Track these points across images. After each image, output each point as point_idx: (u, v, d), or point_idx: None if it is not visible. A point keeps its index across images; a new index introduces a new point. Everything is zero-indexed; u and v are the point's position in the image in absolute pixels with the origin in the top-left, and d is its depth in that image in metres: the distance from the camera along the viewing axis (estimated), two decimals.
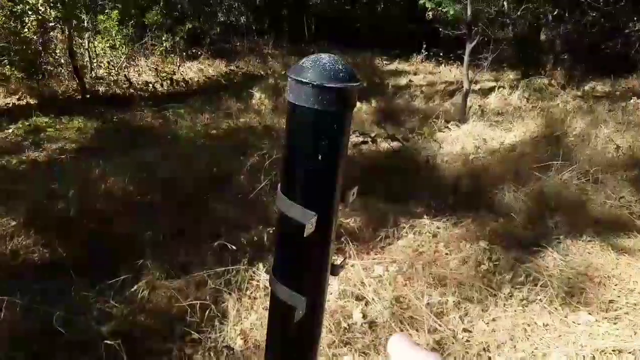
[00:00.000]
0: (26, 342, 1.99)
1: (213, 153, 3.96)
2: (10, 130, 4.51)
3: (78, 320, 2.08)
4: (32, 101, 5.44)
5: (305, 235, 0.89)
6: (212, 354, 2.00)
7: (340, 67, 0.79)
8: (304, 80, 0.78)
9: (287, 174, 0.88)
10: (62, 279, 2.42)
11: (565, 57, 9.06)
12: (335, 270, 1.06)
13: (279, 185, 0.89)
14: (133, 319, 2.13)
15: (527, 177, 3.68)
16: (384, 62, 10.11)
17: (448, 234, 2.95)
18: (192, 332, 2.08)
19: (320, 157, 0.83)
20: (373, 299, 2.39)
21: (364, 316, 2.30)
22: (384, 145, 4.39)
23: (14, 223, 2.82)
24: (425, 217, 3.11)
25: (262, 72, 7.88)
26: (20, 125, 4.59)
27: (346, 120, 0.85)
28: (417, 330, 2.22)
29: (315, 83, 0.78)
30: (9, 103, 5.42)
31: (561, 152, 3.90)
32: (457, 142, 4.84)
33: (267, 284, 2.35)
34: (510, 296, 2.38)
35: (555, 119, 5.41)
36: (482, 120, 5.54)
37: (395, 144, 4.19)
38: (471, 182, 3.73)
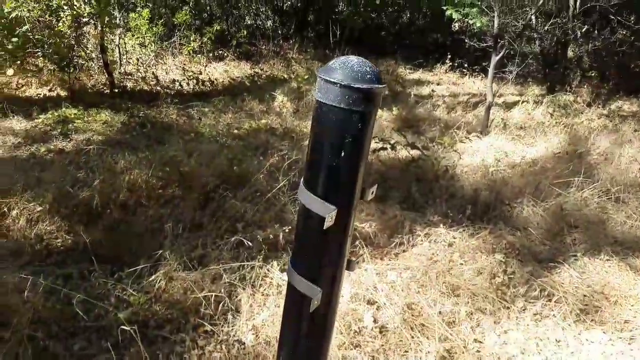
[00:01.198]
0: (46, 323, 2.06)
1: (234, 152, 4.02)
2: (40, 120, 4.65)
3: (97, 305, 2.14)
4: (62, 93, 5.61)
5: (324, 228, 0.92)
6: (223, 346, 2.03)
7: (367, 69, 0.83)
8: (333, 80, 0.82)
9: (310, 169, 0.91)
10: (84, 264, 2.50)
11: (593, 74, 8.91)
12: (351, 265, 1.09)
13: (302, 178, 0.92)
14: (149, 307, 2.18)
15: (547, 192, 3.64)
16: (408, 70, 10.08)
17: (464, 244, 2.93)
18: (206, 323, 2.12)
19: (343, 154, 0.85)
20: (385, 304, 2.40)
21: (375, 320, 2.30)
22: (403, 152, 4.38)
23: (39, 208, 2.91)
24: (441, 226, 3.11)
25: (286, 76, 7.96)
26: (50, 116, 4.73)
27: (370, 120, 0.87)
28: (427, 337, 2.22)
29: (343, 83, 0.82)
30: (40, 94, 5.59)
31: (583, 169, 3.85)
32: (477, 154, 4.81)
33: (280, 282, 2.38)
34: (524, 310, 2.36)
35: (579, 136, 5.33)
36: (504, 134, 5.49)
37: (414, 152, 4.18)
38: (490, 194, 3.70)
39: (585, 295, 2.45)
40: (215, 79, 7.15)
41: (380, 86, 0.83)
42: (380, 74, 0.84)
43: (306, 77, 7.39)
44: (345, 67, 0.83)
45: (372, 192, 0.97)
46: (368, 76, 0.84)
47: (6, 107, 4.68)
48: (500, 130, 5.61)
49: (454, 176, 4.14)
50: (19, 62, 5.36)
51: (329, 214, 0.86)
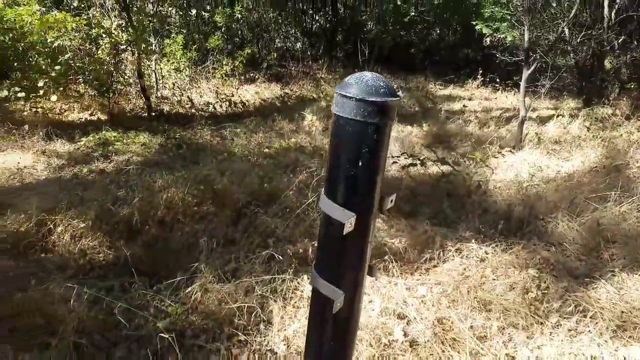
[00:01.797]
0: (90, 332, 2.21)
1: (265, 170, 4.17)
2: (82, 142, 4.96)
3: (137, 315, 2.28)
4: (102, 117, 5.96)
5: (344, 234, 0.99)
6: (256, 356, 2.11)
7: (381, 83, 0.91)
8: (348, 94, 0.90)
9: (330, 178, 0.99)
10: (124, 278, 2.66)
11: (632, 86, 8.68)
12: (373, 271, 1.16)
13: (323, 188, 0.99)
14: (186, 317, 2.30)
15: (582, 206, 3.59)
16: (438, 87, 10.12)
17: (496, 260, 2.93)
18: (239, 333, 2.22)
19: (360, 164, 0.92)
20: (415, 318, 2.43)
21: (405, 334, 2.34)
22: (434, 168, 4.42)
23: (82, 225, 3.11)
24: (473, 241, 3.11)
25: (315, 96, 8.16)
26: (92, 138, 5.04)
27: (386, 131, 0.93)
28: (458, 352, 2.23)
29: (358, 97, 0.89)
30: (82, 118, 5.96)
31: (621, 183, 3.77)
32: (511, 169, 4.79)
33: (309, 295, 2.45)
34: (558, 325, 2.34)
35: (617, 149, 5.21)
36: (538, 148, 5.44)
37: (445, 167, 4.21)
38: (524, 209, 3.67)
39: (623, 312, 2.40)
40: (247, 101, 7.42)
41: (394, 99, 0.90)
42: (394, 88, 0.91)
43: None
44: (360, 82, 0.90)
45: (391, 200, 1.02)
46: (382, 90, 0.90)
47: (50, 131, 5.02)
48: (535, 145, 5.55)
49: (487, 191, 4.13)
50: (61, 88, 5.76)
51: (348, 220, 0.92)
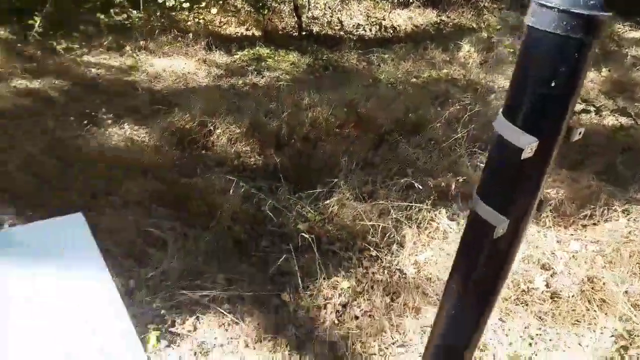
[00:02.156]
0: (242, 222, 2.57)
1: (412, 99, 4.14)
2: (237, 56, 5.41)
3: (282, 213, 2.57)
4: (256, 33, 6.37)
5: (521, 159, 0.94)
6: (386, 272, 2.27)
7: None
8: (549, 4, 0.82)
9: (513, 97, 0.94)
10: (272, 182, 2.98)
11: None
12: (541, 207, 1.07)
13: (502, 108, 0.95)
14: (323, 225, 2.53)
15: None
16: (628, 27, 8.68)
17: None
18: (371, 249, 2.38)
19: (554, 84, 0.84)
20: (562, 272, 2.33)
21: (548, 285, 2.27)
22: (610, 119, 3.93)
23: (238, 131, 3.49)
24: None
25: (475, 25, 7.59)
26: (246, 53, 5.46)
27: (589, 51, 0.84)
28: (606, 314, 2.12)
29: (561, 7, 0.81)
30: (238, 32, 6.44)
31: None
32: None
33: (447, 229, 2.49)
34: None
35: None
36: None
37: (624, 119, 3.72)
38: None
39: None
40: (398, 26, 7.23)
41: (603, 14, 0.81)
42: (603, 2, 0.81)
43: (498, 27, 6.95)
44: None
45: (580, 132, 0.94)
46: (591, 2, 0.80)
47: (211, 42, 5.54)
48: None
49: None
50: (221, 2, 6.21)
51: (530, 145, 0.87)
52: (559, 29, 0.81)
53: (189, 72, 4.74)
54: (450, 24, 7.62)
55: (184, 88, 4.42)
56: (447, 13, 8.20)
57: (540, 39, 0.85)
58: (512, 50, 5.50)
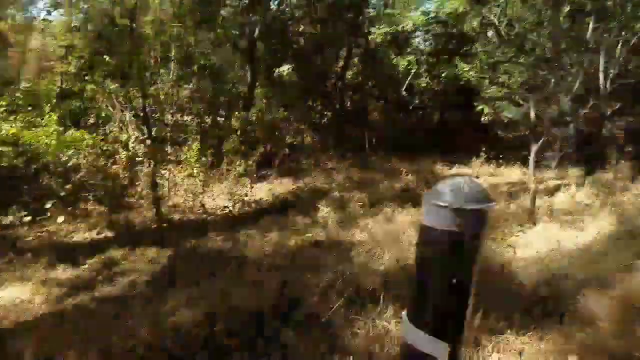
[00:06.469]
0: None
1: (282, 273, 3.69)
2: (85, 266, 4.55)
3: None
4: (109, 234, 5.60)
5: None
6: None
7: (478, 189, 0.77)
8: (442, 204, 0.77)
9: (417, 300, 0.85)
10: None
11: (630, 149, 8.63)
12: None
13: (406, 310, 0.88)
14: None
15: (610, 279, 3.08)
16: (444, 167, 9.94)
17: (534, 350, 2.47)
18: None
19: (455, 281, 0.81)
20: None
21: None
22: None
23: None
24: (508, 331, 2.64)
25: (327, 186, 7.88)
26: (97, 259, 4.64)
27: (482, 240, 0.82)
28: None
29: (454, 206, 0.76)
30: (88, 238, 5.57)
31: None
32: (530, 246, 4.41)
33: None
34: None
35: (629, 214, 4.83)
36: (552, 221, 5.15)
37: None
38: (550, 288, 3.16)
39: None
40: (260, 198, 7.15)
41: (491, 204, 0.82)
42: (489, 193, 0.82)
43: (347, 185, 7.27)
44: (455, 188, 0.82)
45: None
46: (478, 196, 0.82)
47: (54, 256, 4.59)
48: (549, 218, 5.32)
49: (512, 273, 3.60)
50: (70, 208, 5.44)
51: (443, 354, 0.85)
52: (454, 226, 0.82)
53: (22, 301, 3.73)
54: (306, 189, 7.81)
55: (12, 326, 3.36)
56: (302, 179, 8.49)
57: (438, 236, 0.84)
58: (361, 203, 5.68)
